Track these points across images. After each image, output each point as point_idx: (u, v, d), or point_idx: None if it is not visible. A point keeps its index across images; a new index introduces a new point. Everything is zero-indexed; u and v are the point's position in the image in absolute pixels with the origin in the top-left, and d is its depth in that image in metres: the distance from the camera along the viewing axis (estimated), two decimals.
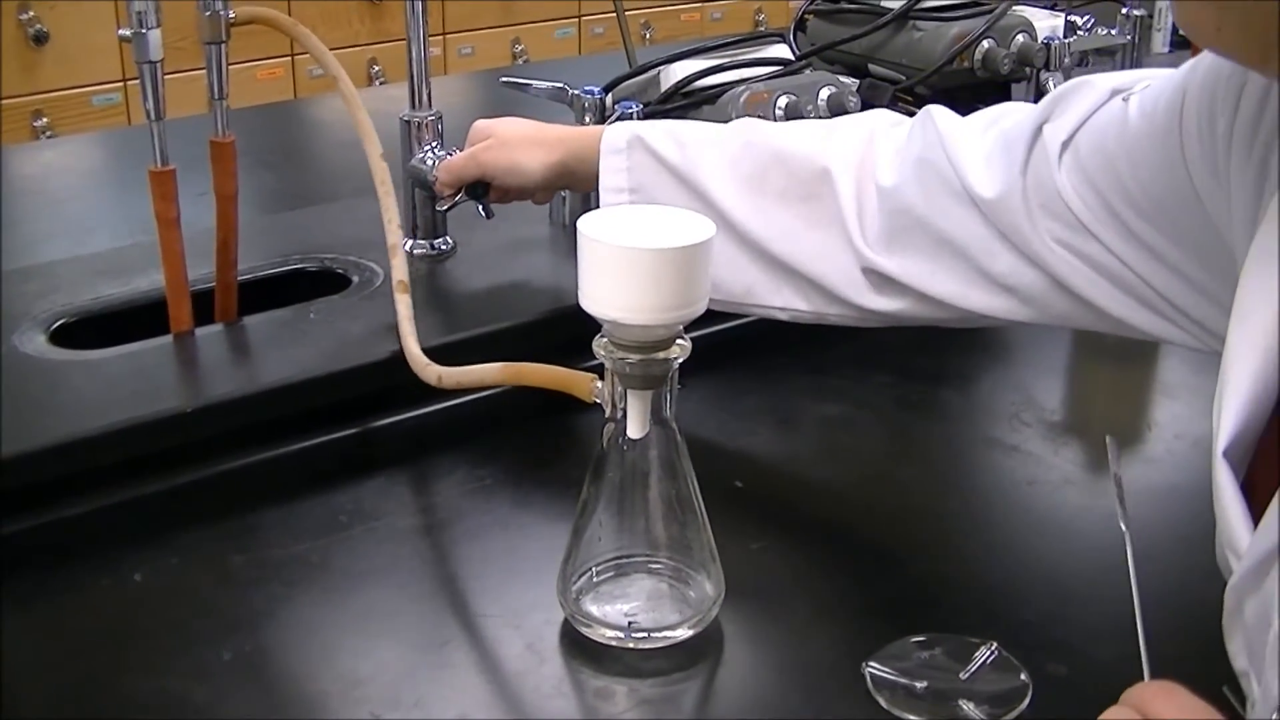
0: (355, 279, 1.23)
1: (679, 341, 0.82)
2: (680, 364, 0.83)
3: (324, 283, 1.24)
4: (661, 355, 0.81)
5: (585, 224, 0.79)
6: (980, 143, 0.94)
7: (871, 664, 0.82)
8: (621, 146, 1.09)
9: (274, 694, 0.84)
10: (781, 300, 1.05)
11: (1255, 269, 0.71)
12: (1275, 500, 0.64)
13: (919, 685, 0.81)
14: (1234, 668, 0.69)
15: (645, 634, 0.85)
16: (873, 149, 1.01)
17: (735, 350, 1.24)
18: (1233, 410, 0.69)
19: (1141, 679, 0.68)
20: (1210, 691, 0.62)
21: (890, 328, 1.04)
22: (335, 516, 1.00)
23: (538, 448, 1.09)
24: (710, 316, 1.22)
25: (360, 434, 1.09)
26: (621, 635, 0.85)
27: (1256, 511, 0.67)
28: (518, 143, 1.16)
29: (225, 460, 1.04)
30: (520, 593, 0.91)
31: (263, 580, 0.93)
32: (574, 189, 1.26)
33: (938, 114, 0.98)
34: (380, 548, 0.97)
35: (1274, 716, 0.66)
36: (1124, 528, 0.76)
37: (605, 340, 0.82)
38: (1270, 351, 0.69)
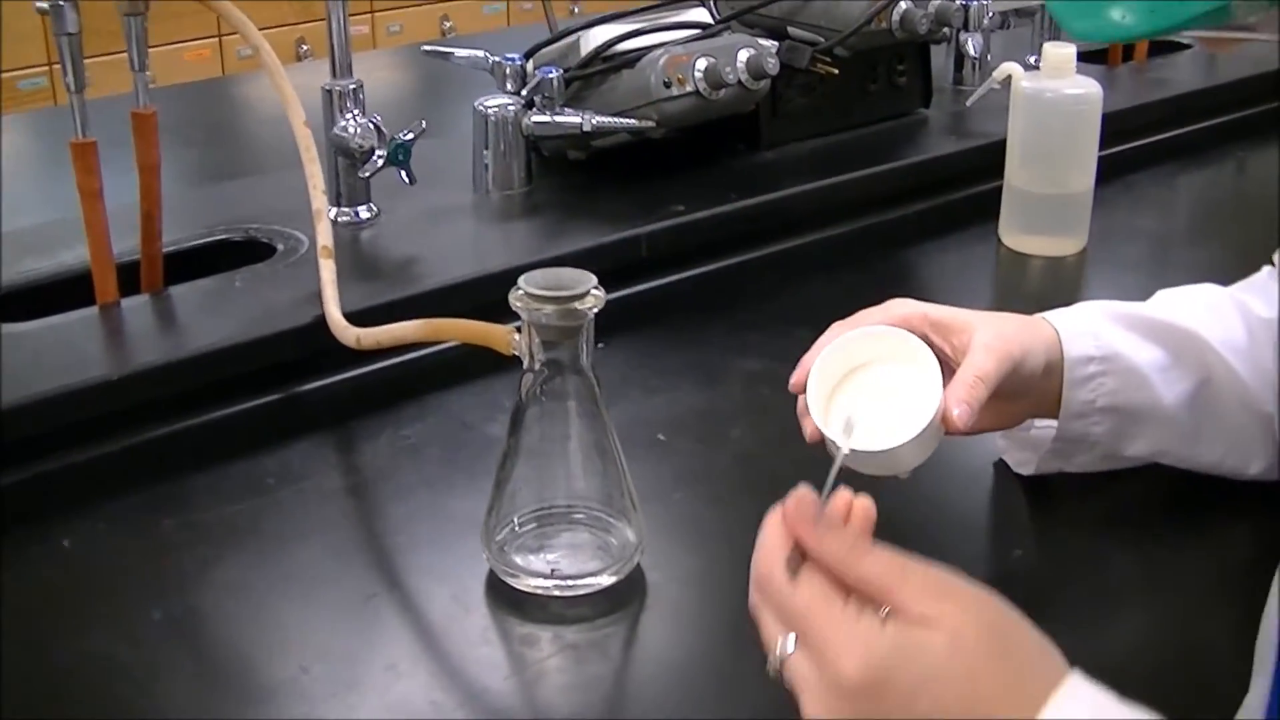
0: (280, 247, 1.23)
1: (593, 292, 0.83)
2: (601, 320, 0.85)
3: (249, 252, 1.25)
4: (576, 306, 0.82)
5: None
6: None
7: None
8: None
9: (205, 653, 0.85)
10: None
11: None
12: None
13: None
14: None
15: (568, 581, 0.87)
16: None
17: (657, 309, 1.26)
18: None
19: None
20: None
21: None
22: (262, 479, 1.01)
23: (461, 408, 1.11)
24: (633, 275, 1.26)
25: (286, 399, 1.10)
26: (545, 583, 0.87)
27: None
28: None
29: (152, 427, 1.04)
30: (446, 547, 0.93)
31: (192, 543, 0.94)
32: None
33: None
34: (307, 509, 0.98)
35: None
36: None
37: (521, 293, 0.83)
38: None
